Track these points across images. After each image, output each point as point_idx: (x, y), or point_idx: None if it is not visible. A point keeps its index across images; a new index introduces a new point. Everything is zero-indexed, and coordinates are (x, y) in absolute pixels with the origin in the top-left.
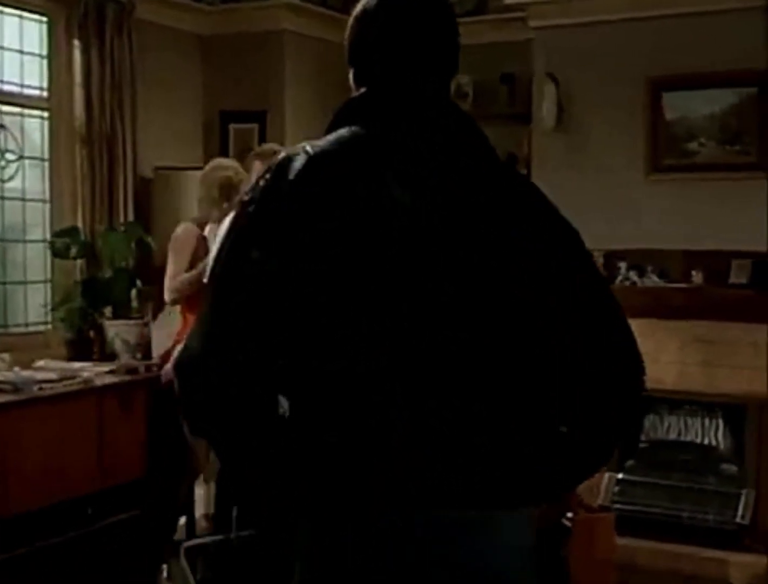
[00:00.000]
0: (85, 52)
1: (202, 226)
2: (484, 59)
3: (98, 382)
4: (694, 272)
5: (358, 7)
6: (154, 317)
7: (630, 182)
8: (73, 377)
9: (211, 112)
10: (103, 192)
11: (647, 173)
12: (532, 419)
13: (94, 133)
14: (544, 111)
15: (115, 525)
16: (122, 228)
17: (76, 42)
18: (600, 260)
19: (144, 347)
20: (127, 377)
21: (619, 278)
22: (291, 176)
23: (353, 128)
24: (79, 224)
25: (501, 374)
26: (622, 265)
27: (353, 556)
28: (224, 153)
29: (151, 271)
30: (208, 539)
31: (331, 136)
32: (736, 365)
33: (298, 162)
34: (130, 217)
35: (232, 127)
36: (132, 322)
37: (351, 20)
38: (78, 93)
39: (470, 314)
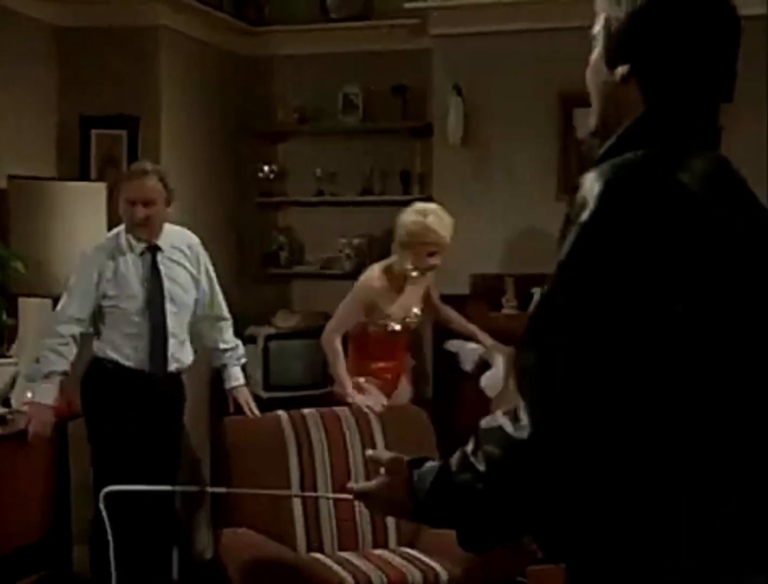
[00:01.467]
0: None
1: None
2: (372, 68)
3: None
4: None
5: None
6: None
7: (541, 203)
8: None
9: (68, 116)
10: None
11: (559, 193)
12: None
13: None
14: (450, 125)
15: None
16: None
17: None
18: (513, 286)
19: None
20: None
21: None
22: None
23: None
24: None
25: None
26: (536, 291)
27: None
28: (84, 163)
29: (10, 299)
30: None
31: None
32: None
33: (669, 191)
34: None
35: (94, 133)
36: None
37: (629, 6)
38: None
39: None
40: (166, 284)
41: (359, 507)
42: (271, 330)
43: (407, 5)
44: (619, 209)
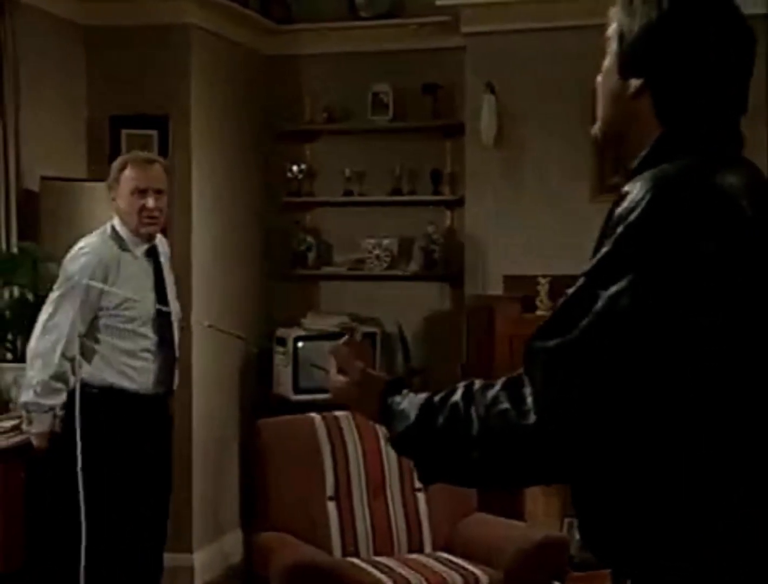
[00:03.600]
0: None
1: None
2: (402, 67)
3: (2, 442)
4: None
5: (663, 7)
6: None
7: (575, 204)
8: None
9: (99, 116)
10: None
11: (592, 193)
12: None
13: None
14: (483, 124)
15: None
16: (13, 249)
17: None
18: (546, 287)
19: None
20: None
21: None
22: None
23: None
24: None
25: None
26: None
27: None
28: None
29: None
30: None
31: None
32: None
33: (714, 199)
34: (14, 237)
35: (124, 133)
36: None
37: (644, 19)
38: None
39: None
40: (168, 291)
41: (394, 511)
42: (300, 332)
43: (438, 2)
44: (667, 215)
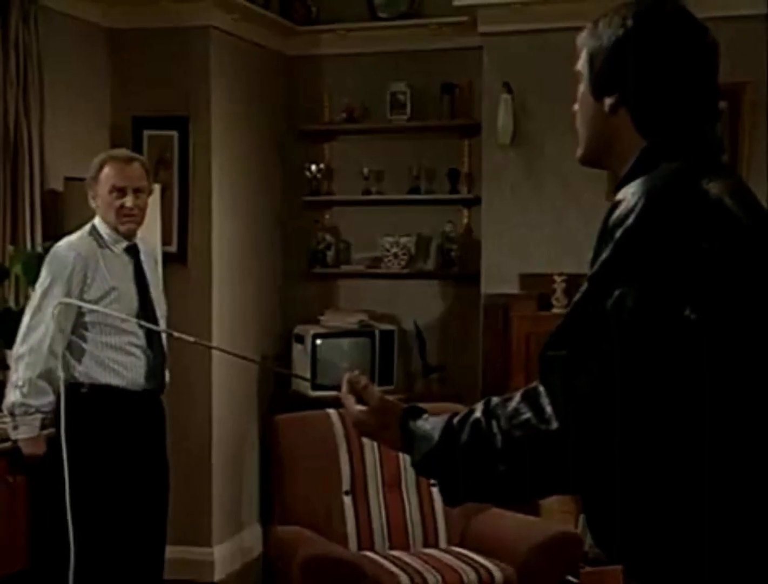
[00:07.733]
0: None
1: None
2: (420, 67)
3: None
4: None
5: (627, 25)
6: None
7: (591, 202)
8: None
9: (121, 117)
10: (6, 206)
11: (609, 192)
12: None
13: None
14: (500, 124)
15: None
16: (38, 248)
17: None
18: (563, 285)
19: None
20: (53, 431)
21: None
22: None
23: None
24: None
25: None
26: None
27: None
28: None
29: None
30: None
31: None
32: None
33: (703, 201)
34: (38, 237)
35: (146, 134)
36: None
37: (611, 39)
38: None
39: None
40: (150, 288)
41: (409, 505)
42: (319, 329)
43: (456, 3)
44: (663, 218)
